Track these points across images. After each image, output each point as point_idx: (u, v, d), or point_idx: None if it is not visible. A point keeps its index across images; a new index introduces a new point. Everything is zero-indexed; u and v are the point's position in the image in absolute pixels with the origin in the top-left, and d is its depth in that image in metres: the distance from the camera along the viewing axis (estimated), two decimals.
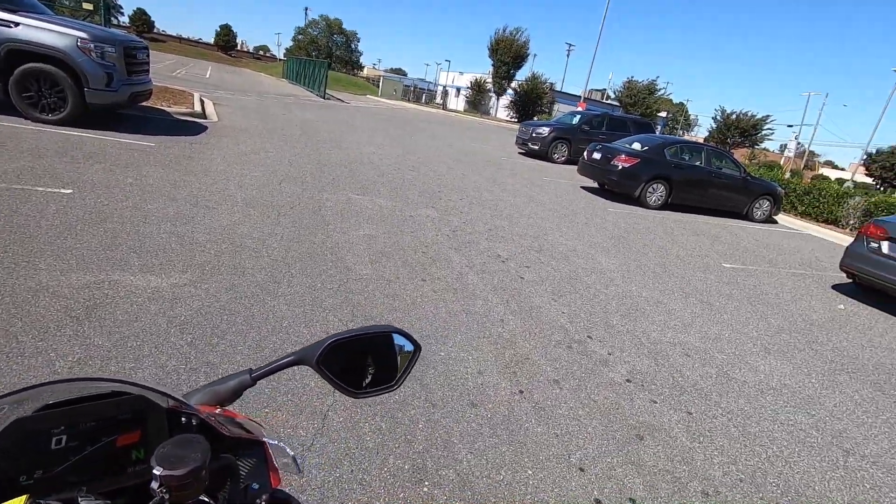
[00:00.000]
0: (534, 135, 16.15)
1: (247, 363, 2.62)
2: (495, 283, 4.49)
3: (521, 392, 2.89)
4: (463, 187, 8.66)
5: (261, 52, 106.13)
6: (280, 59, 75.04)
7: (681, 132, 63.27)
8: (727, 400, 3.24)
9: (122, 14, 65.49)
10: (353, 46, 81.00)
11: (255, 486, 0.70)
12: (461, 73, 55.56)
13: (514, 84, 41.89)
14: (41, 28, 6.73)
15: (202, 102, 12.18)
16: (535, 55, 45.83)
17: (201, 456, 0.58)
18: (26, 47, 6.62)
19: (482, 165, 12.01)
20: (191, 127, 9.11)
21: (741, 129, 34.59)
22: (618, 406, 2.94)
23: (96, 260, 3.39)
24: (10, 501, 0.54)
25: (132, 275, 3.29)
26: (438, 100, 54.86)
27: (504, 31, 40.65)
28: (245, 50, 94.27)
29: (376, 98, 44.58)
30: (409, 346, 0.81)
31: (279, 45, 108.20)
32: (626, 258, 6.12)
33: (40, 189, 4.48)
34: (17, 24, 6.61)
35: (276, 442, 0.68)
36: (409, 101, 50.91)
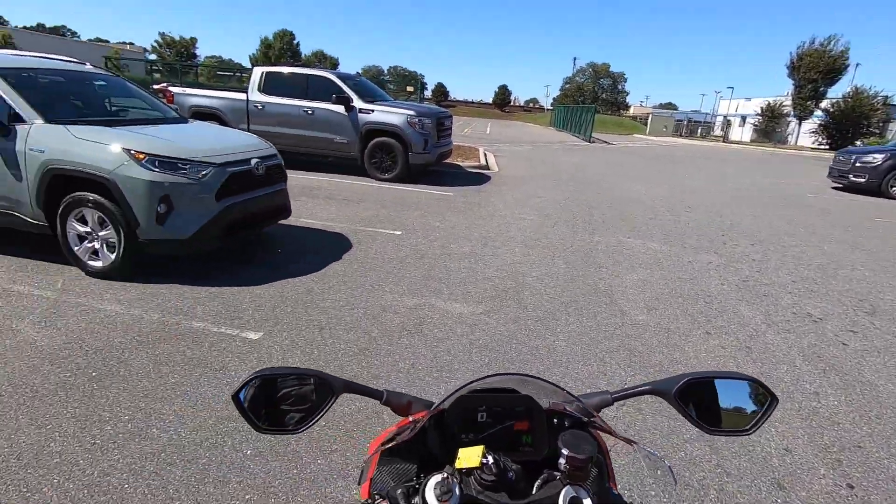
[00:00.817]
0: (858, 164, 12.80)
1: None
2: (804, 346, 3.74)
3: (851, 487, 2.33)
4: (753, 230, 7.52)
5: (530, 105, 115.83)
6: (547, 109, 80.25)
7: None
8: None
9: (427, 88, 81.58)
10: (619, 87, 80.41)
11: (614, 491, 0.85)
12: (748, 99, 48.55)
13: (824, 103, 34.15)
14: (386, 112, 9.10)
15: (485, 156, 14.09)
16: (857, 65, 36.46)
17: (593, 448, 0.76)
18: (377, 126, 9.05)
19: (779, 204, 10.17)
20: (478, 177, 10.66)
21: None
22: None
23: (419, 287, 4.33)
24: (473, 448, 0.82)
25: (444, 301, 4.07)
26: (717, 131, 49.02)
27: (812, 43, 33.84)
28: (517, 104, 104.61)
29: (644, 136, 42.86)
30: (765, 397, 0.86)
31: (547, 96, 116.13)
32: None
33: (382, 231, 5.99)
34: (372, 111, 9.12)
35: (654, 451, 0.82)
36: (681, 136, 47.15)
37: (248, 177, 4.40)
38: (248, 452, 2.26)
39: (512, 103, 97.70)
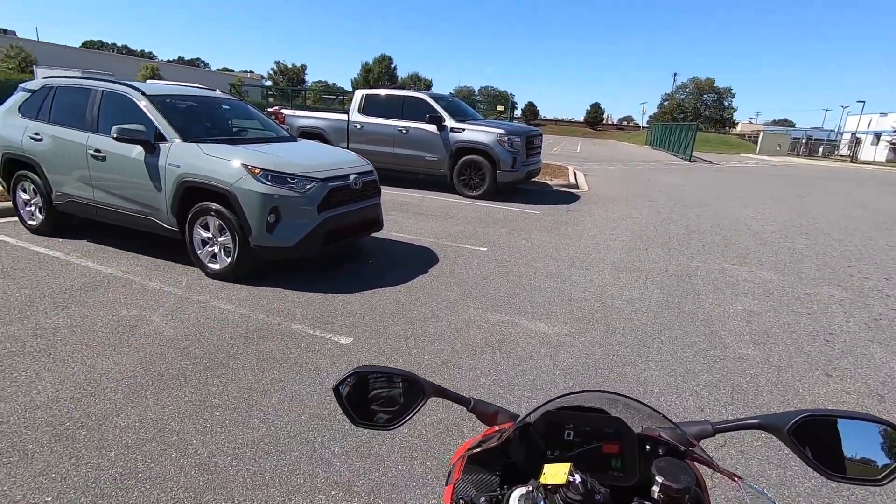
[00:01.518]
0: None
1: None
2: None
3: None
4: (888, 262, 6.56)
5: (624, 123, 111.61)
6: (643, 127, 76.72)
7: None
8: None
9: (517, 107, 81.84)
10: (725, 103, 74.86)
11: None
12: (883, 114, 42.82)
13: None
14: (476, 130, 9.28)
15: (575, 174, 13.78)
16: None
17: (690, 479, 0.72)
18: (467, 144, 9.24)
19: None
20: (567, 196, 10.44)
21: None
22: None
23: (503, 304, 4.31)
24: (559, 465, 0.80)
25: (528, 320, 4.01)
26: (844, 150, 43.70)
27: None
28: (610, 122, 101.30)
29: (753, 155, 39.36)
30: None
31: (643, 114, 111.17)
32: None
33: (467, 246, 6.07)
34: (463, 130, 9.33)
35: (762, 490, 0.75)
36: (797, 155, 42.64)
37: (346, 191, 4.70)
38: (336, 451, 2.37)
39: (605, 121, 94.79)
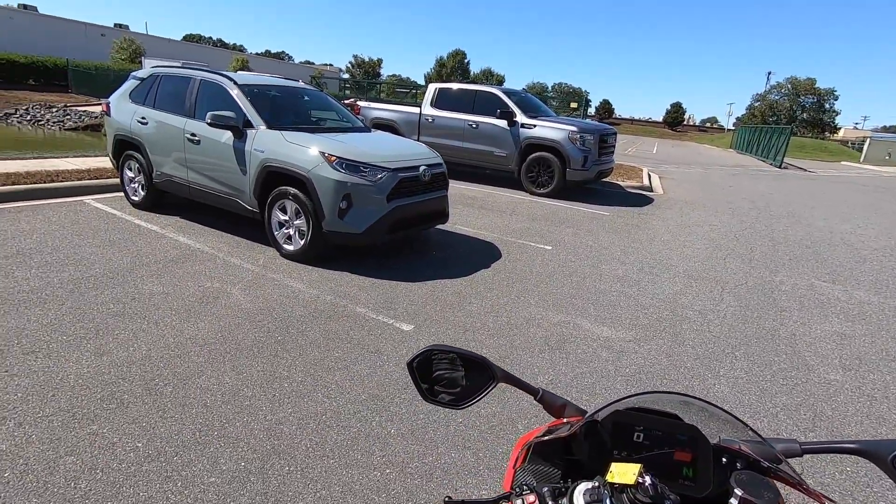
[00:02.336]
0: None
1: None
2: None
3: None
4: None
5: (707, 124, 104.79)
6: (728, 130, 71.66)
7: None
8: None
9: (591, 105, 79.16)
10: (826, 106, 68.15)
11: None
12: None
13: None
14: (547, 127, 9.10)
15: (650, 176, 13.15)
16: None
17: (774, 496, 0.67)
18: (537, 141, 9.09)
19: None
20: (639, 199, 10.00)
21: None
22: None
23: (565, 304, 4.23)
24: (628, 465, 0.78)
25: (590, 322, 3.91)
26: None
27: None
28: (691, 124, 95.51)
29: (856, 164, 35.61)
30: None
31: (729, 115, 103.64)
32: None
33: (531, 244, 5.99)
34: (534, 126, 9.19)
35: None
36: None
37: (415, 182, 4.80)
38: (392, 431, 2.45)
39: (686, 122, 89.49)
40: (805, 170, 23.76)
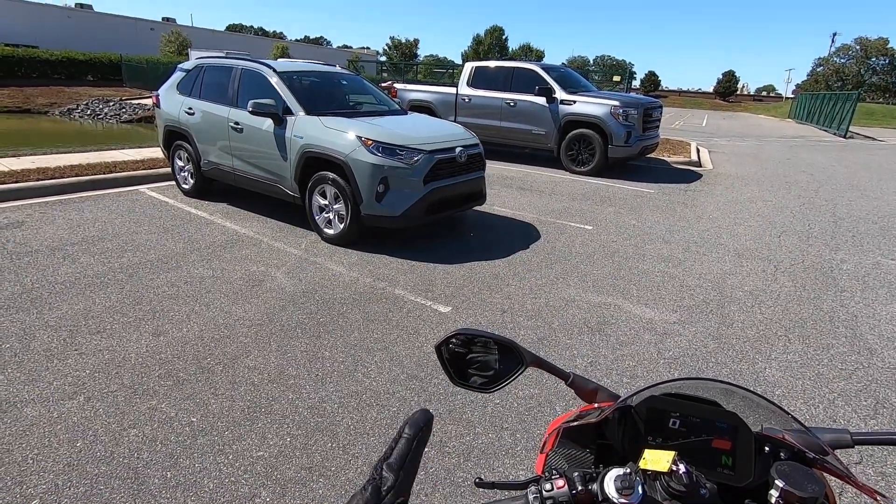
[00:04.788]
0: None
1: None
2: None
3: None
4: None
5: (763, 93, 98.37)
6: (787, 98, 67.01)
7: None
8: None
9: (636, 78, 75.77)
10: None
11: None
12: None
13: None
14: (588, 102, 8.79)
15: (698, 151, 12.53)
16: None
17: (819, 489, 0.64)
18: (577, 117, 8.82)
19: None
20: (686, 175, 9.57)
21: None
22: None
23: (606, 286, 4.13)
24: (662, 451, 0.76)
25: (632, 304, 3.81)
26: None
27: None
28: (745, 93, 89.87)
29: None
30: None
31: (788, 83, 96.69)
32: None
33: (571, 224, 5.86)
34: (574, 102, 8.91)
35: None
36: None
37: (452, 163, 4.77)
38: (431, 411, 2.49)
39: (739, 92, 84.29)
40: (874, 139, 21.94)
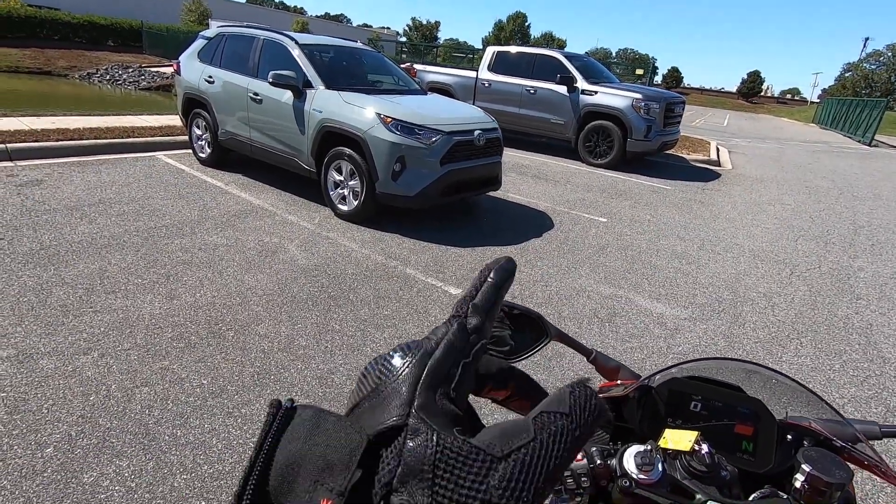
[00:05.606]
0: None
1: None
2: None
3: None
4: None
5: (787, 96, 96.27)
6: (812, 103, 65.57)
7: None
8: None
9: (658, 73, 74.40)
10: None
11: None
12: None
13: None
14: (610, 94, 8.65)
15: (717, 150, 12.32)
16: None
17: (847, 476, 0.63)
18: (597, 108, 8.69)
19: None
20: (704, 173, 9.42)
21: None
22: None
23: (617, 278, 4.10)
24: (684, 431, 0.75)
25: (643, 298, 3.79)
26: None
27: None
28: (769, 95, 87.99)
29: None
30: None
31: (814, 87, 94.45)
32: None
33: (585, 215, 5.81)
34: (595, 93, 8.77)
35: None
36: None
37: (469, 146, 4.73)
38: None
39: (763, 93, 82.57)
40: None
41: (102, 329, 2.71)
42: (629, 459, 0.70)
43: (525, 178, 7.45)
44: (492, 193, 5.85)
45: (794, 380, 0.82)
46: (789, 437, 0.83)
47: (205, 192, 5.25)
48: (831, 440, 0.76)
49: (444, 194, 4.65)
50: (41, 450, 1.92)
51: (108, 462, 1.90)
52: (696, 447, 0.69)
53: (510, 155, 8.59)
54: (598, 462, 0.72)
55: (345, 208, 4.81)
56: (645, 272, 4.28)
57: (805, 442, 0.80)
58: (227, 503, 1.79)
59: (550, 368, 2.71)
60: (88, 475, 1.84)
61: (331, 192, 4.89)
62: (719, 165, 10.59)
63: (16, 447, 1.92)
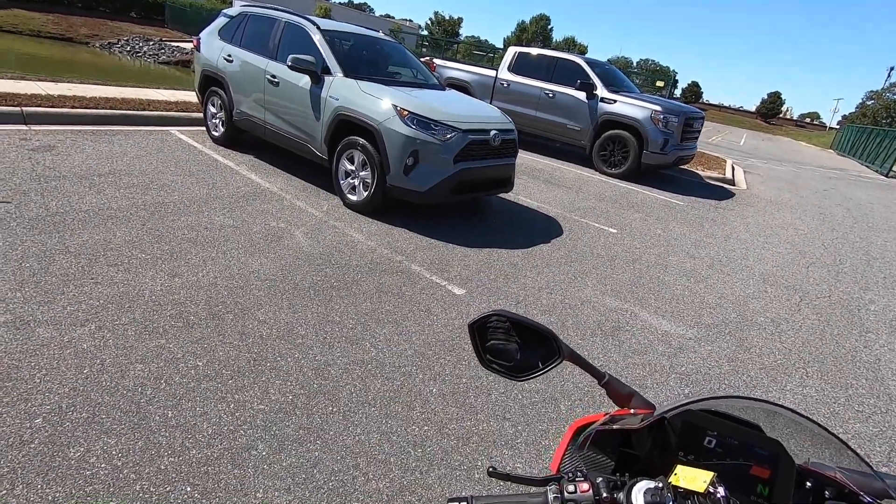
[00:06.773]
0: None
1: None
2: None
3: None
4: None
5: (806, 120, 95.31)
6: (830, 129, 64.90)
7: None
8: None
9: (678, 86, 73.80)
10: None
11: None
12: None
13: None
14: (629, 103, 8.56)
15: (733, 169, 12.20)
16: None
17: None
18: (615, 118, 8.59)
19: None
20: (718, 191, 9.32)
21: None
22: None
23: (624, 291, 4.04)
24: (699, 470, 0.70)
25: (648, 313, 3.73)
26: None
27: None
28: (788, 117, 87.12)
29: None
30: None
31: (834, 112, 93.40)
32: None
33: (595, 225, 5.74)
34: (614, 102, 8.67)
35: None
36: None
37: (484, 146, 4.67)
38: (434, 391, 2.47)
39: (782, 115, 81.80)
40: None
41: (102, 301, 2.69)
42: (638, 495, 0.66)
43: (537, 182, 7.38)
44: (503, 195, 5.80)
45: (818, 424, 0.77)
46: (808, 483, 0.79)
47: (215, 171, 5.22)
48: (858, 494, 0.71)
49: (455, 192, 4.60)
50: (30, 420, 1.89)
51: (97, 438, 1.87)
52: (711, 489, 0.64)
53: (523, 157, 8.52)
54: (605, 495, 0.68)
55: (354, 198, 4.77)
56: (652, 287, 4.22)
57: (826, 492, 0.75)
58: (212, 489, 1.75)
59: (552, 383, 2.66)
60: (75, 450, 1.81)
61: (341, 181, 4.85)
62: (734, 184, 10.48)
63: (4, 415, 1.89)
